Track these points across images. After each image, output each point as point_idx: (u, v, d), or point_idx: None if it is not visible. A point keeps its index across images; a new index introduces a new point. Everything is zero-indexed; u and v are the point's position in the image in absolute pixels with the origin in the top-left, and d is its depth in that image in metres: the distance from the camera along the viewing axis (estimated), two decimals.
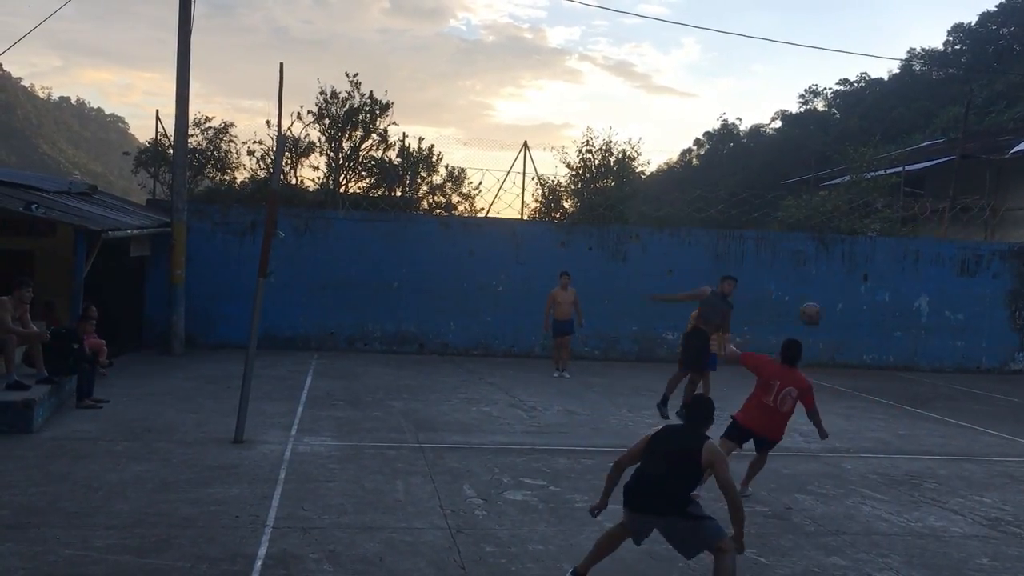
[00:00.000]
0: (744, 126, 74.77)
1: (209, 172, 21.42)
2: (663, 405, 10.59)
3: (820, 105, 72.74)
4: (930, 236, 22.65)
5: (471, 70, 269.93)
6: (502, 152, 44.12)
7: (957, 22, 72.62)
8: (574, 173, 21.53)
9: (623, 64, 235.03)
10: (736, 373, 10.12)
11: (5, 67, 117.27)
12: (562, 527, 6.90)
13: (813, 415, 8.04)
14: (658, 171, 67.76)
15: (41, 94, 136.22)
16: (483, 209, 21.52)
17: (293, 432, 9.85)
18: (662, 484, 5.43)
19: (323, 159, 21.61)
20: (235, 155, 21.44)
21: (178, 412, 10.63)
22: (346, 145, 21.47)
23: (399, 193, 21.68)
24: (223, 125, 21.34)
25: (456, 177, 23.31)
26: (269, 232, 9.47)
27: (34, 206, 12.05)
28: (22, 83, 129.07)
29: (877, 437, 11.62)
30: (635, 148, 22.09)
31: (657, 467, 5.48)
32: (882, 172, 25.49)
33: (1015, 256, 20.58)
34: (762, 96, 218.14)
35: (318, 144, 21.38)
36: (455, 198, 23.23)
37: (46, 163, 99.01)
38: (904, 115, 55.38)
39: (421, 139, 23.74)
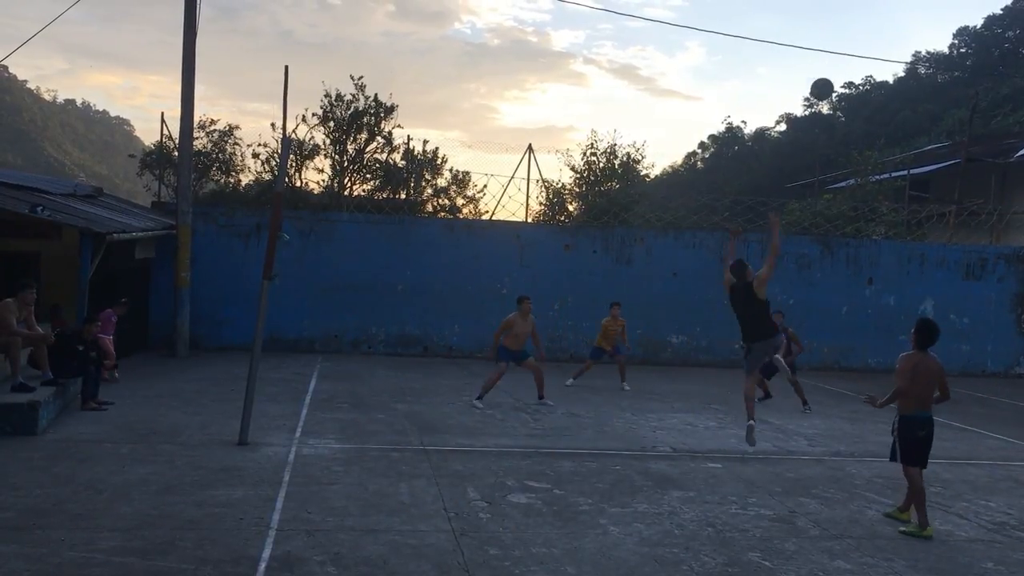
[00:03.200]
0: (749, 129, 74.79)
1: (214, 175, 21.45)
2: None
3: (825, 108, 72.68)
4: (937, 243, 22.57)
5: (475, 73, 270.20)
6: (507, 155, 44.11)
7: (962, 25, 72.60)
8: (579, 176, 21.54)
9: (628, 67, 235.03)
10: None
11: (11, 70, 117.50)
12: (566, 530, 6.90)
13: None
14: (663, 174, 67.81)
15: (47, 96, 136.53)
16: (488, 212, 21.54)
17: (297, 434, 9.86)
18: None
19: (328, 162, 21.64)
20: (240, 158, 21.47)
21: (182, 414, 10.65)
22: (351, 148, 21.49)
23: (404, 196, 21.69)
24: (228, 128, 21.38)
25: (461, 180, 23.32)
26: (274, 235, 9.48)
27: (39, 208, 12.10)
28: (28, 86, 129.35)
29: (882, 441, 11.55)
30: (639, 151, 22.12)
31: None
32: (887, 175, 25.47)
33: (1020, 260, 20.54)
34: (767, 99, 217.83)
35: (323, 147, 21.41)
36: (459, 201, 23.23)
37: (51, 165, 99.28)
38: (909, 118, 55.32)
39: (426, 142, 23.69)
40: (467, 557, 6.13)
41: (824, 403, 14.67)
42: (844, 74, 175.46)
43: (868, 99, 67.49)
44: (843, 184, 27.46)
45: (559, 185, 21.52)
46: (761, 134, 73.44)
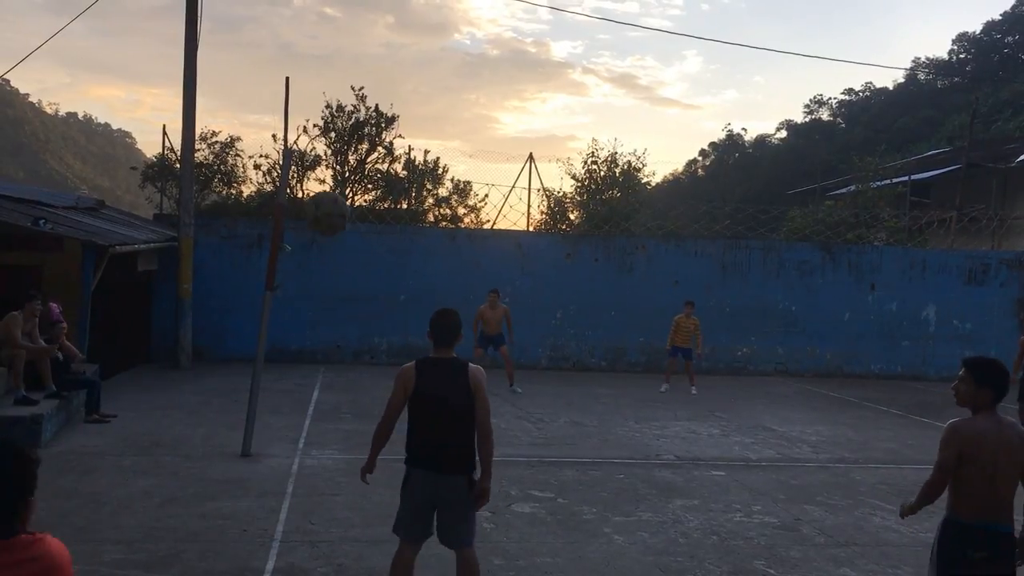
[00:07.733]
0: (749, 136, 74.88)
1: (216, 186, 21.50)
2: None
3: (825, 115, 72.85)
4: (939, 248, 22.57)
5: (475, 83, 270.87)
6: (507, 164, 44.20)
7: (962, 31, 72.79)
8: (580, 185, 21.58)
9: (627, 76, 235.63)
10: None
11: (13, 83, 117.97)
12: (570, 539, 6.88)
13: None
14: (664, 182, 67.85)
15: (49, 110, 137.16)
16: (489, 221, 21.56)
17: (300, 445, 9.84)
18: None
19: (329, 172, 21.72)
20: (242, 169, 21.54)
21: (185, 426, 10.64)
22: (352, 158, 21.57)
23: (405, 206, 21.73)
24: (230, 139, 21.45)
25: (462, 190, 23.39)
26: (276, 246, 9.49)
27: (42, 221, 12.11)
28: (30, 99, 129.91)
29: (886, 447, 11.56)
30: (640, 159, 22.17)
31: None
32: (888, 181, 25.50)
33: (1022, 265, 20.51)
34: (767, 107, 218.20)
35: (324, 157, 21.49)
36: (461, 210, 23.31)
37: (53, 178, 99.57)
38: (909, 124, 55.42)
39: (427, 152, 23.86)
40: None
41: (828, 410, 14.64)
42: (844, 81, 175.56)
43: (868, 105, 67.66)
44: (844, 191, 27.49)
45: (560, 194, 21.57)
46: (762, 141, 73.55)
